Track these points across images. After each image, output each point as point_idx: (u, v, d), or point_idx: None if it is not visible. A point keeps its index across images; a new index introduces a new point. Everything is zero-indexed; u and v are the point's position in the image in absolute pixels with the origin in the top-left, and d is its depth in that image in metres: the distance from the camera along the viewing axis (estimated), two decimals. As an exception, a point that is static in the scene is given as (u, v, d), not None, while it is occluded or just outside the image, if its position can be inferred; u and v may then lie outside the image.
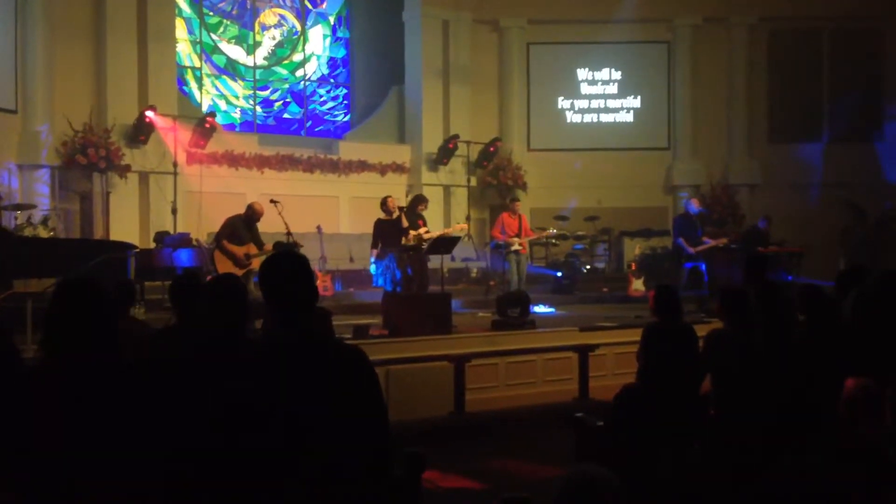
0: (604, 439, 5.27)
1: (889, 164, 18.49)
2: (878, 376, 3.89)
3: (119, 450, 2.84)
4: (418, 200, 11.95)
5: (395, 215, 11.32)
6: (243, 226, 10.56)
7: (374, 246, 11.33)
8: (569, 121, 19.24)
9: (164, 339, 4.54)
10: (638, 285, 14.87)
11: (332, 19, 19.10)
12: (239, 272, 10.02)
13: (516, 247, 13.19)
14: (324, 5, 19.02)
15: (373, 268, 11.42)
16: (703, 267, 12.64)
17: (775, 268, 12.97)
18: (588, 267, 17.20)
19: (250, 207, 10.69)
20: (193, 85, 17.34)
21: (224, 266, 10.25)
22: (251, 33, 18.08)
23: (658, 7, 18.37)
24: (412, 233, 11.34)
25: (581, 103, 19.26)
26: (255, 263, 10.32)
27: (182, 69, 16.91)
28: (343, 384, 2.90)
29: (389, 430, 3.03)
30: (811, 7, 18.37)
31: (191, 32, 17.31)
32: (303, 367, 2.89)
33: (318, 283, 12.41)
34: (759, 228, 14.42)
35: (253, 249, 10.50)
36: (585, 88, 19.26)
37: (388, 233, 11.23)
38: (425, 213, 11.87)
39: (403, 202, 11.72)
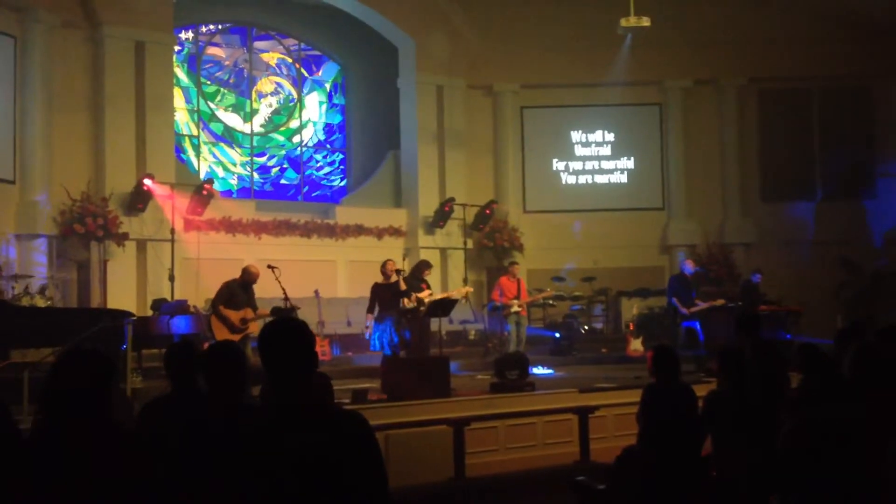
0: (605, 503, 5.23)
1: (882, 221, 18.60)
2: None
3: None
4: (423, 266, 12.03)
5: (392, 279, 11.35)
6: (240, 290, 10.58)
7: (370, 310, 11.32)
8: (564, 182, 19.39)
9: (160, 408, 4.51)
10: (636, 345, 14.84)
11: (328, 86, 19.36)
12: (235, 338, 10.00)
13: (516, 308, 13.25)
14: (319, 73, 19.30)
15: (367, 332, 11.39)
16: (698, 326, 12.65)
17: (773, 326, 12.98)
18: (586, 327, 17.17)
19: (245, 271, 10.70)
20: (191, 153, 17.50)
21: (220, 332, 10.23)
22: (248, 101, 18.31)
23: (649, 70, 18.64)
24: (414, 295, 11.38)
25: (575, 165, 19.43)
26: (253, 328, 10.32)
27: (180, 137, 17.08)
28: (343, 451, 2.89)
29: (390, 497, 3.01)
30: (799, 68, 18.65)
31: (188, 101, 17.53)
32: (302, 435, 2.88)
33: (317, 347, 12.38)
34: (753, 283, 14.52)
35: (250, 314, 10.48)
36: (579, 150, 19.45)
37: (384, 296, 11.24)
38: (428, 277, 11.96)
39: (401, 265, 11.76)
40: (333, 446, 2.88)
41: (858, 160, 18.96)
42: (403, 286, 11.33)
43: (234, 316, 10.36)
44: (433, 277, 17.01)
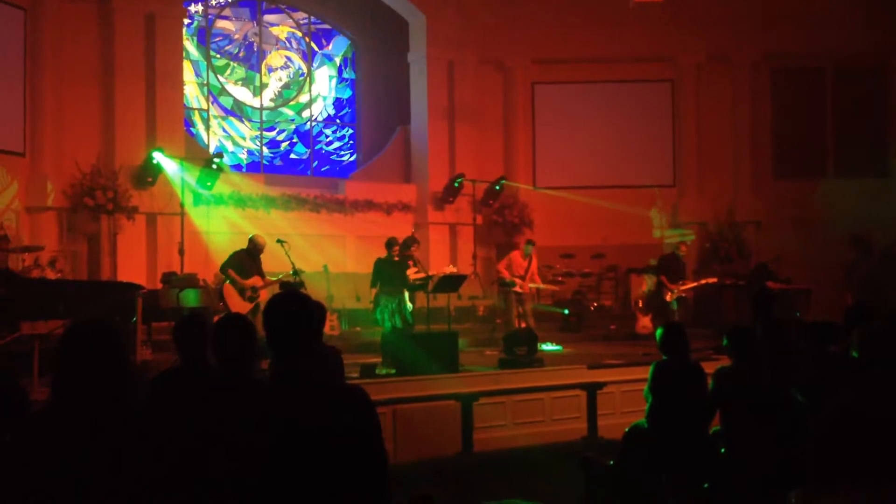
0: (613, 479, 5.24)
1: (894, 199, 18.47)
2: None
3: (125, 497, 2.82)
4: (410, 242, 11.90)
5: (397, 257, 11.29)
6: (248, 258, 10.76)
7: (373, 285, 11.23)
8: (574, 159, 19.28)
9: (168, 381, 4.51)
10: (645, 322, 14.83)
11: (337, 60, 19.28)
12: (248, 305, 10.21)
13: (518, 288, 13.28)
14: (329, 47, 19.21)
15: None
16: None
17: (783, 305, 13.00)
18: (595, 304, 17.15)
19: (252, 240, 10.92)
20: (201, 126, 17.47)
21: (232, 297, 10.43)
22: (258, 75, 18.24)
23: (661, 46, 18.50)
24: (412, 269, 11.36)
25: (586, 141, 19.30)
26: (264, 296, 10.42)
27: (189, 111, 17.04)
28: (345, 426, 2.88)
29: (388, 476, 3.00)
30: (813, 44, 18.47)
31: (198, 75, 17.47)
32: (304, 410, 2.87)
33: (326, 322, 12.39)
34: (765, 264, 14.54)
35: (259, 282, 10.66)
36: (590, 126, 19.32)
37: (389, 273, 11.17)
38: (417, 254, 11.87)
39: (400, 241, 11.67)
40: (335, 422, 2.87)
41: (871, 138, 18.83)
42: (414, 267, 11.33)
43: (246, 283, 10.57)
44: (441, 252, 17.07)
